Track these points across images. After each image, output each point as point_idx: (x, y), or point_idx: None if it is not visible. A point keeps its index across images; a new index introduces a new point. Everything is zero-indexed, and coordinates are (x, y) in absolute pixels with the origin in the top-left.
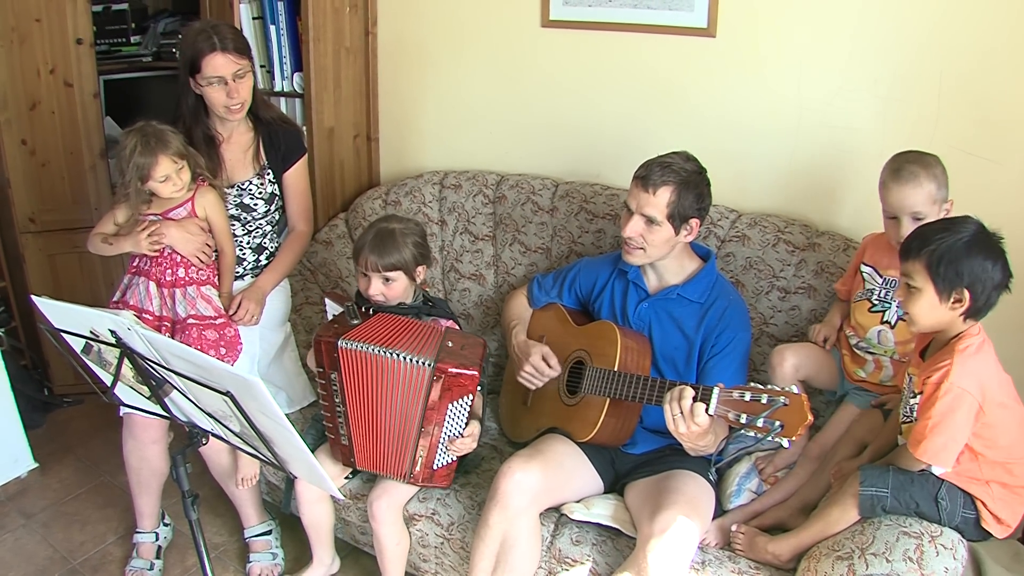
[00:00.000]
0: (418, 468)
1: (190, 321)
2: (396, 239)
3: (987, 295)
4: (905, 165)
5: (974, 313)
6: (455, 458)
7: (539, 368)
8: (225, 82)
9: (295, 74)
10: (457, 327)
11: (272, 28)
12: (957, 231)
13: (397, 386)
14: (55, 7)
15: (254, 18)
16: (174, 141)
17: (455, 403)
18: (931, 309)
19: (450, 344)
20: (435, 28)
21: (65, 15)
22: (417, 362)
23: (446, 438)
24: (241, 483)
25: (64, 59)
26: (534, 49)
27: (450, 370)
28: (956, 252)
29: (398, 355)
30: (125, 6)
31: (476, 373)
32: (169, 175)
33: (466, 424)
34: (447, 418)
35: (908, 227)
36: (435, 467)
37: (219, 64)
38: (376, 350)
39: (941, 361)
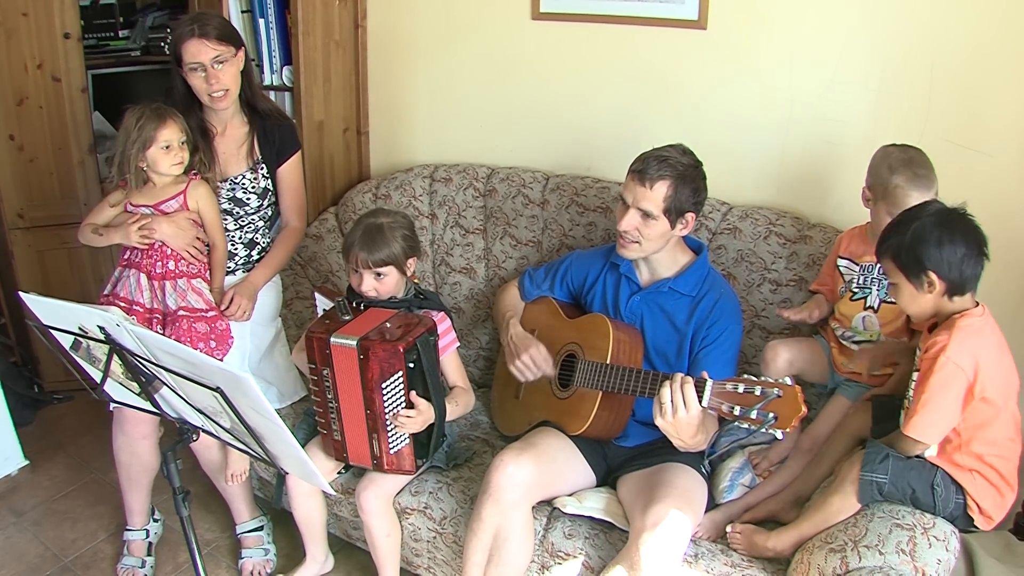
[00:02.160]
0: (379, 453)
1: (180, 313)
2: (385, 234)
3: (958, 270)
4: (920, 170)
5: (955, 290)
6: (407, 440)
7: (535, 359)
8: (204, 68)
9: (284, 68)
10: (448, 320)
11: (261, 21)
12: (909, 221)
13: (350, 371)
14: (42, 1)
15: (243, 11)
16: (181, 117)
17: (387, 381)
18: (913, 299)
19: (388, 324)
20: (425, 21)
21: (52, 9)
22: (347, 344)
23: (390, 419)
24: (231, 479)
25: (52, 54)
26: (525, 42)
27: (373, 347)
28: (911, 241)
29: (345, 340)
30: (113, 0)
31: (399, 349)
32: (172, 143)
33: (406, 402)
34: (385, 399)
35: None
36: (392, 451)
37: (196, 50)
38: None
39: (940, 335)
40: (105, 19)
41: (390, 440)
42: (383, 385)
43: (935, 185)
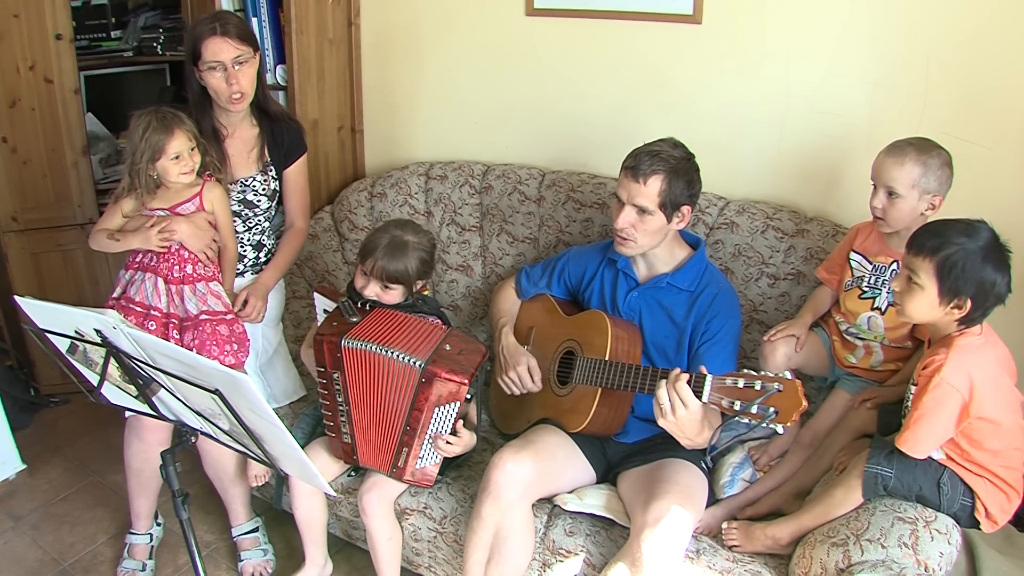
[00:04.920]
0: (402, 464)
1: (203, 317)
2: (408, 253)
3: (988, 305)
4: (904, 143)
5: (968, 321)
6: (439, 460)
7: (522, 378)
8: (224, 68)
9: (278, 66)
10: (441, 322)
11: (254, 20)
12: (974, 239)
13: (389, 383)
14: (34, 2)
15: (236, 10)
16: (189, 122)
17: (442, 407)
18: (928, 308)
19: (448, 348)
20: (418, 18)
21: (44, 10)
22: (409, 361)
23: (430, 439)
24: (253, 480)
25: (44, 55)
26: (518, 38)
27: (440, 374)
28: (971, 263)
29: (393, 353)
30: (105, 1)
31: (465, 381)
32: (181, 153)
33: (453, 428)
34: (433, 420)
35: (880, 198)
36: (418, 466)
37: (218, 48)
38: (378, 348)
39: (938, 352)
40: (97, 20)
41: (421, 455)
42: (437, 408)
43: (916, 168)
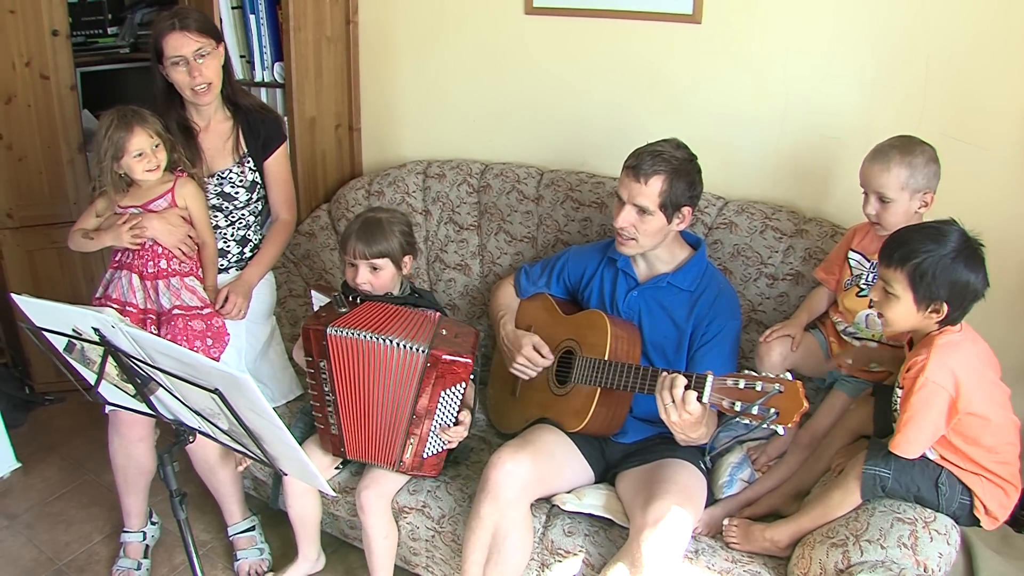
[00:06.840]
0: (408, 456)
1: (175, 312)
2: (383, 227)
3: (966, 306)
4: (887, 146)
5: (949, 321)
6: (445, 447)
7: (532, 359)
8: (187, 62)
9: (276, 64)
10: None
11: (252, 17)
12: (942, 243)
13: (389, 372)
14: None
15: (233, 7)
16: (152, 119)
17: (448, 391)
18: (907, 316)
19: (444, 332)
20: (417, 16)
21: (40, 6)
22: (411, 348)
23: (437, 426)
24: (241, 463)
25: (40, 51)
26: (518, 36)
27: (444, 357)
28: (941, 268)
29: (390, 340)
30: None
31: (470, 361)
32: (144, 150)
33: (458, 413)
34: (439, 406)
35: (873, 204)
36: (425, 456)
37: (178, 43)
38: (367, 336)
39: (919, 354)
40: (93, 16)
41: (429, 444)
42: (443, 392)
43: (903, 171)
